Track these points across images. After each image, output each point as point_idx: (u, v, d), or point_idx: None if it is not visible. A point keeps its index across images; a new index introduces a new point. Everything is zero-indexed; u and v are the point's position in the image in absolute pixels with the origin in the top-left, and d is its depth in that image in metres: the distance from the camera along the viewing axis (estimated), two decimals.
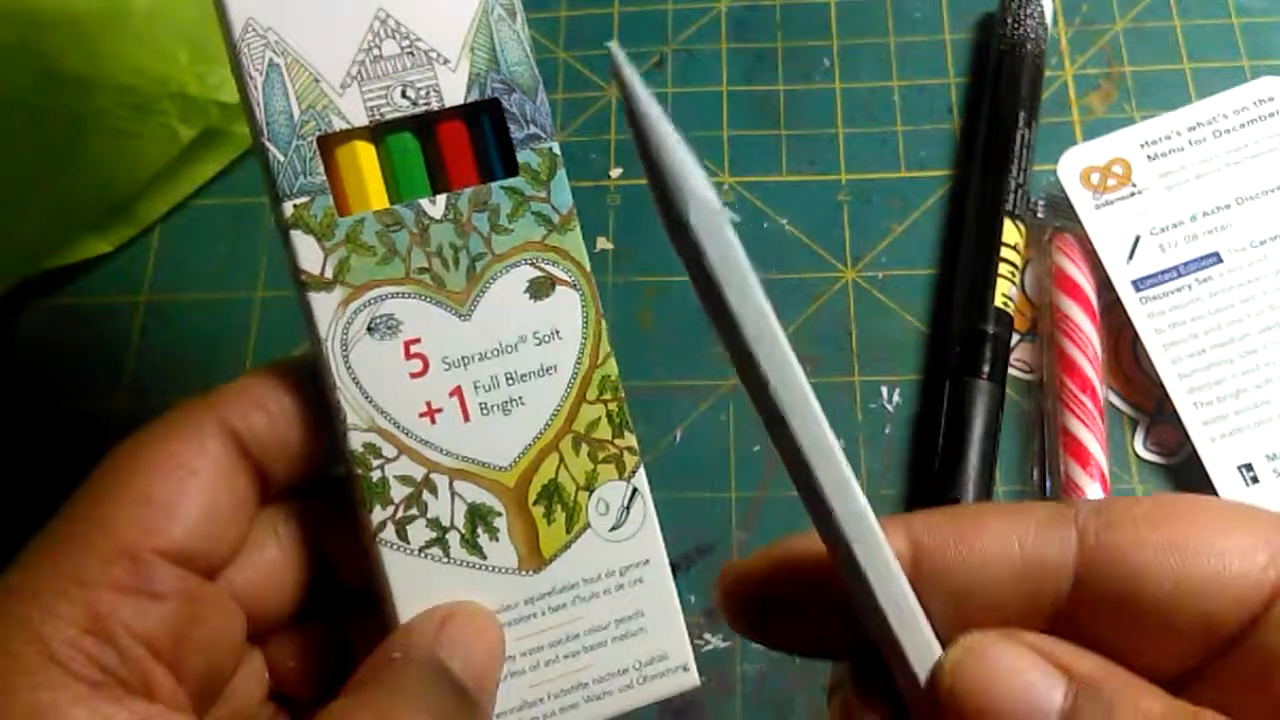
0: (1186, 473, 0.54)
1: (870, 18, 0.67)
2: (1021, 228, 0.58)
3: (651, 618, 0.38)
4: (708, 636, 0.52)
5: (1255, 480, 0.53)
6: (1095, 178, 0.58)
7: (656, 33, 0.67)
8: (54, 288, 0.61)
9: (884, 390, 0.57)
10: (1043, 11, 0.62)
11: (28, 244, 0.60)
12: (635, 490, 0.38)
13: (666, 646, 0.38)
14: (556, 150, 0.38)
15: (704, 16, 0.67)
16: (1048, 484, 0.54)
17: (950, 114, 0.64)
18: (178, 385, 0.59)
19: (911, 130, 0.63)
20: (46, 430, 0.58)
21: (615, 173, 0.63)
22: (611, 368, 0.38)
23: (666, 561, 0.39)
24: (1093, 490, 0.52)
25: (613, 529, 0.38)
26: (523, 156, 0.38)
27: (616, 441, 0.38)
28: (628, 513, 0.38)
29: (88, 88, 0.56)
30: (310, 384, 0.37)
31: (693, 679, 0.39)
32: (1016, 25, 0.62)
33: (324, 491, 0.38)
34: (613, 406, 0.38)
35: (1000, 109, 0.60)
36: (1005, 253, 0.57)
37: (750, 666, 0.52)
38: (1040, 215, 0.59)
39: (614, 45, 0.24)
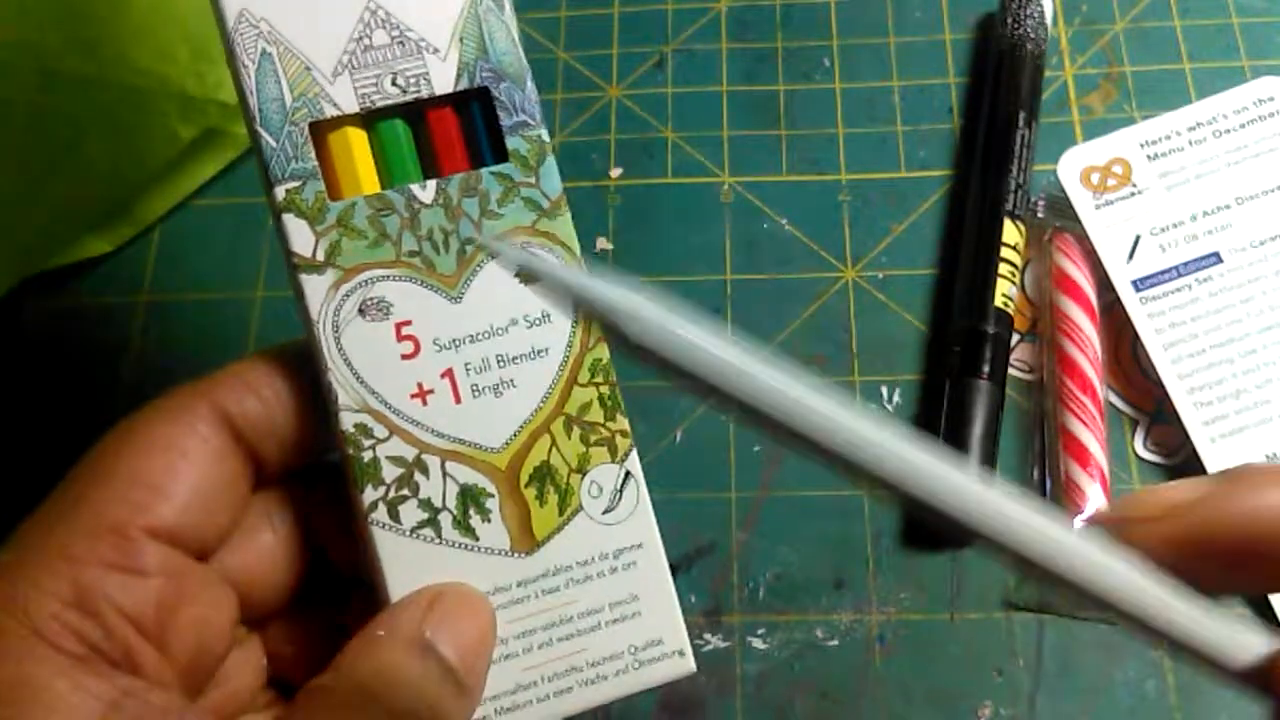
0: (1186, 473, 0.54)
1: (870, 18, 0.67)
2: (1021, 228, 0.58)
3: (646, 602, 0.38)
4: (708, 636, 0.52)
5: None
6: (1095, 178, 0.58)
7: (656, 33, 0.67)
8: (54, 288, 0.61)
9: (884, 390, 0.57)
10: (1043, 11, 0.62)
11: (28, 244, 0.60)
12: (628, 473, 0.38)
13: (661, 631, 0.38)
14: (545, 137, 0.39)
15: (704, 16, 0.67)
16: (1048, 484, 0.54)
17: (950, 114, 0.64)
18: (177, 385, 0.58)
19: (911, 130, 0.63)
20: (46, 430, 0.58)
21: (615, 173, 0.63)
22: (603, 351, 0.38)
23: (661, 545, 0.39)
24: (1093, 490, 0.52)
25: (605, 512, 0.38)
26: (512, 143, 0.38)
27: (609, 424, 0.38)
28: (620, 496, 0.38)
29: (88, 88, 0.56)
30: (304, 369, 0.37)
31: (689, 665, 0.39)
32: (1016, 25, 0.62)
33: (320, 478, 0.39)
34: (604, 389, 0.38)
35: (1000, 109, 0.60)
36: (1005, 253, 0.57)
37: (750, 667, 0.52)
38: (1040, 215, 0.59)
39: (491, 240, 0.25)
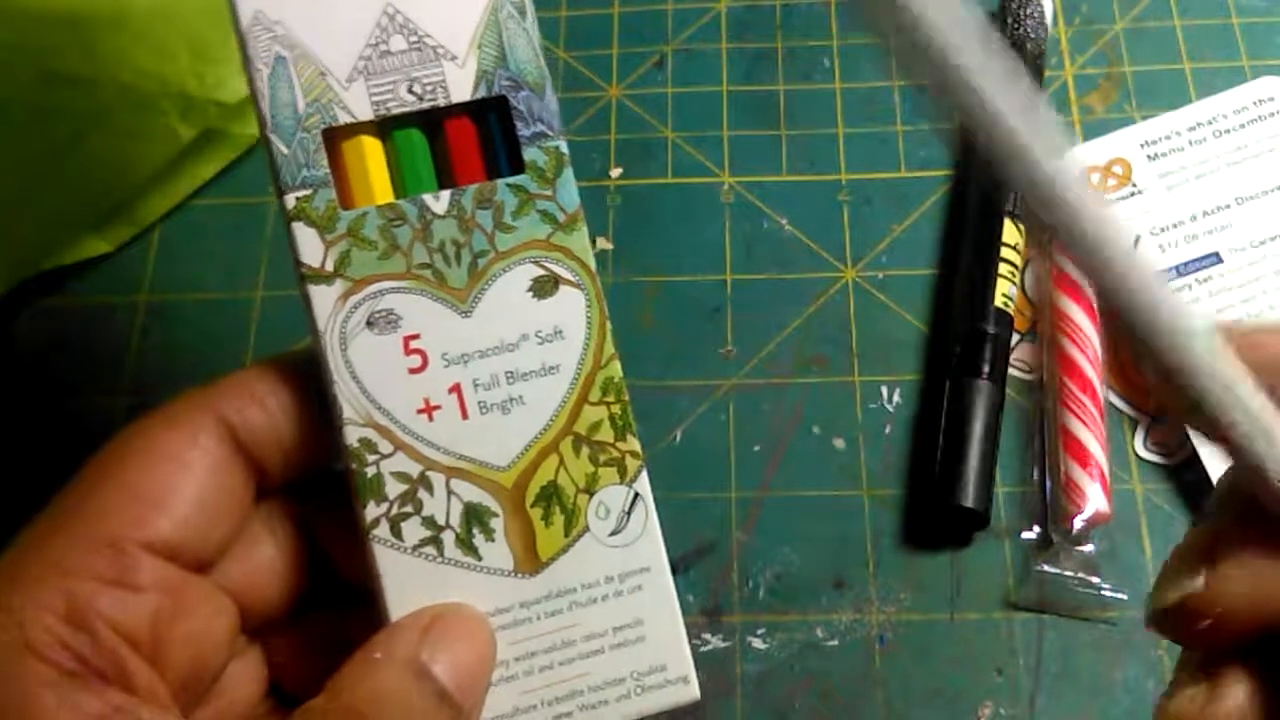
0: (1186, 473, 0.54)
1: None
2: (1021, 228, 0.58)
3: (651, 626, 0.38)
4: (707, 636, 0.52)
5: None
6: (1095, 178, 0.58)
7: (656, 33, 0.67)
8: (54, 288, 0.61)
9: (884, 390, 0.57)
10: (1043, 11, 0.62)
11: (28, 244, 0.60)
12: (637, 495, 0.38)
13: (666, 657, 0.38)
14: (564, 149, 0.38)
15: (704, 16, 0.67)
16: (1048, 484, 0.54)
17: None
18: (178, 385, 0.57)
19: (911, 130, 0.63)
20: (46, 430, 0.58)
21: (615, 173, 0.63)
22: (615, 369, 0.38)
23: (668, 569, 0.38)
24: (1093, 490, 0.52)
25: (612, 534, 0.37)
26: (529, 154, 0.37)
27: (619, 444, 0.38)
28: (628, 518, 0.38)
29: (88, 88, 0.56)
30: (309, 379, 0.37)
31: (693, 692, 0.38)
32: (1016, 25, 0.62)
33: (325, 487, 0.38)
34: (616, 409, 0.38)
35: None
36: (1005, 253, 0.57)
37: (750, 667, 0.52)
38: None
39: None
